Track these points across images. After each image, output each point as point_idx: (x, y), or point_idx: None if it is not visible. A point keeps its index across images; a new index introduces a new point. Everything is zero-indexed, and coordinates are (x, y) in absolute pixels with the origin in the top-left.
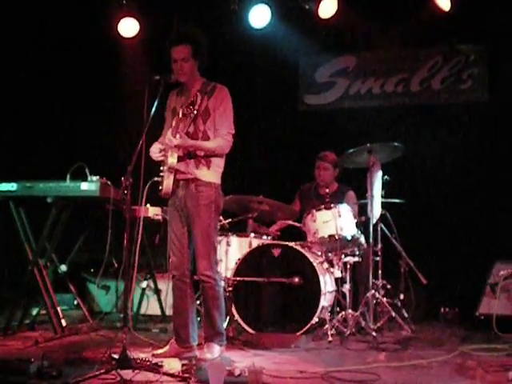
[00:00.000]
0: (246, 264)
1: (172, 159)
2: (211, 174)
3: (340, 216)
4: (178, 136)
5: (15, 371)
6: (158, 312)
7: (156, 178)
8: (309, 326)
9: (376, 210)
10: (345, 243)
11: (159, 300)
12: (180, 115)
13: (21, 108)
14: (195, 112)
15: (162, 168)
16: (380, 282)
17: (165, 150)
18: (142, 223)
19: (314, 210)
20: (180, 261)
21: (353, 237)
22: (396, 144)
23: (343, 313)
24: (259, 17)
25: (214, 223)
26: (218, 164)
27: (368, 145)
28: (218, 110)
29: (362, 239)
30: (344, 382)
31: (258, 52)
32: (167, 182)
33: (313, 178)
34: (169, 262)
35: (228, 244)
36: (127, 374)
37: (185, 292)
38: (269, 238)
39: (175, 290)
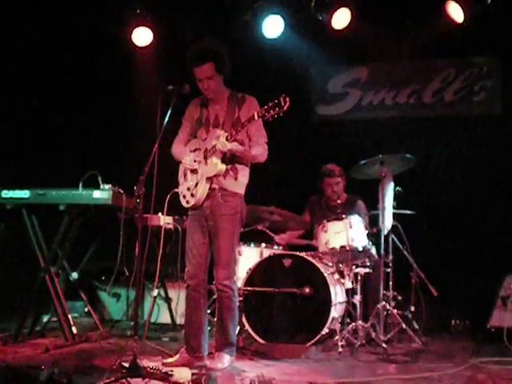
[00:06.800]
0: (257, 274)
1: (221, 166)
2: (238, 184)
3: (351, 227)
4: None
5: (25, 378)
6: (168, 321)
7: (177, 190)
8: (319, 336)
9: (388, 222)
10: (356, 254)
11: (170, 309)
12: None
13: (35, 116)
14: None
15: (185, 178)
16: (391, 294)
17: (198, 160)
18: (163, 232)
19: (326, 221)
20: (196, 271)
21: (364, 248)
22: (408, 155)
23: (353, 324)
24: (272, 27)
25: (238, 234)
26: (245, 175)
27: (380, 156)
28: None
29: (374, 250)
30: None
31: (271, 62)
32: (202, 191)
33: (322, 190)
34: (178, 271)
35: (239, 253)
36: (137, 382)
37: (198, 302)
38: (279, 248)
39: (189, 299)
